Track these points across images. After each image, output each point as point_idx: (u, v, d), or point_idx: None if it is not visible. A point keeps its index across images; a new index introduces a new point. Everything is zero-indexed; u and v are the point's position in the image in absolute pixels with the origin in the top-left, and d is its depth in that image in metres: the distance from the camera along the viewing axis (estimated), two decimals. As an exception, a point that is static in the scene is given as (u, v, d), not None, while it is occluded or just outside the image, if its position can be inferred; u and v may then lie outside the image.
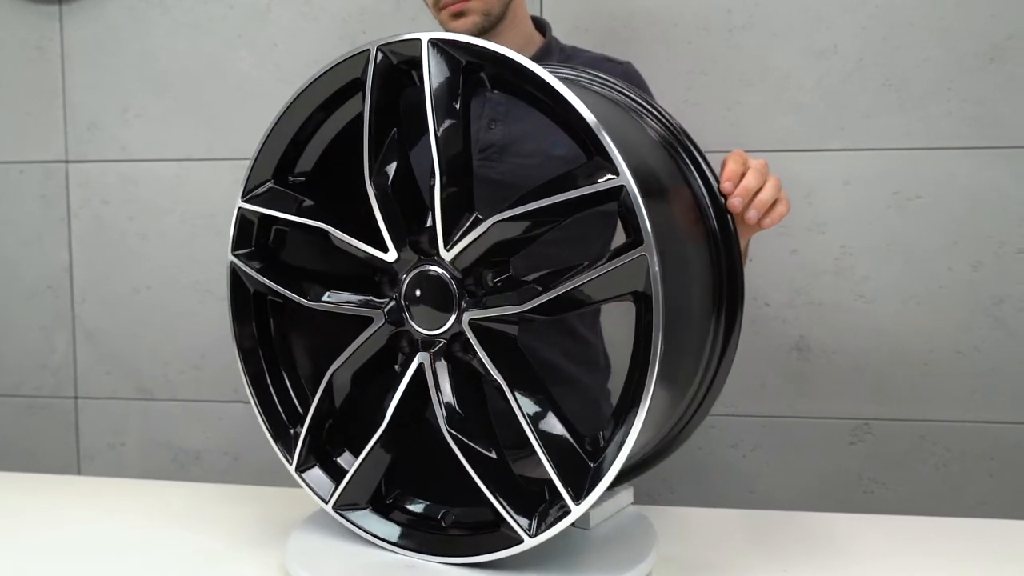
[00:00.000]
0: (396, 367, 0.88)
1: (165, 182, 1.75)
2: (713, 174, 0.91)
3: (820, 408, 1.60)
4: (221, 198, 1.73)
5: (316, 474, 0.92)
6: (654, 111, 0.94)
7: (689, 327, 0.83)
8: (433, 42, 0.79)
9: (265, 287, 0.93)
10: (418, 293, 0.83)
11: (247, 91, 1.71)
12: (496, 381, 0.79)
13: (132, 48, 1.73)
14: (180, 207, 1.75)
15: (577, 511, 0.76)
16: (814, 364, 1.59)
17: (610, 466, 0.75)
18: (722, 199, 0.89)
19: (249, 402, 1.76)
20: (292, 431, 0.93)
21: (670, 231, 0.80)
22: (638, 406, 0.73)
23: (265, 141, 0.91)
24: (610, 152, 0.72)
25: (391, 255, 0.84)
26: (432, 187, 0.79)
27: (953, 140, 1.52)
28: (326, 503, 0.90)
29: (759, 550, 0.96)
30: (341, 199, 0.96)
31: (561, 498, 0.77)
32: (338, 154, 0.94)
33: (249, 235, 0.94)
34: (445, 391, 0.82)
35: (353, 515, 0.89)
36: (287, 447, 0.93)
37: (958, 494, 1.58)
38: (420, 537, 0.86)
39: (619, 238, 1.35)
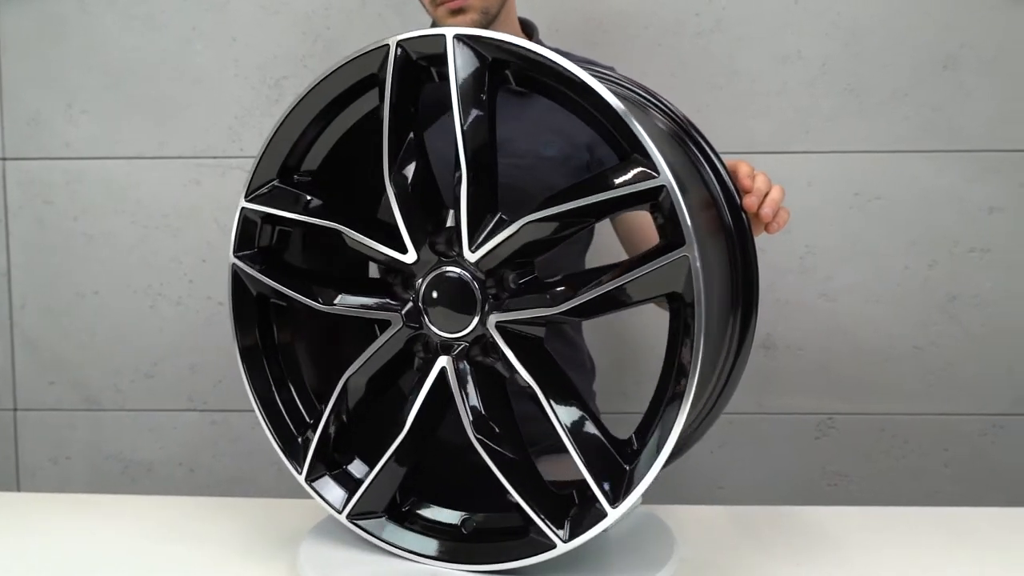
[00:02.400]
0: (414, 371, 0.86)
1: (114, 181, 1.66)
2: (726, 170, 0.92)
3: (786, 404, 1.64)
4: (175, 198, 1.66)
5: (326, 483, 0.89)
6: (662, 105, 0.94)
7: (714, 326, 0.82)
8: (459, 38, 0.78)
9: (271, 290, 0.90)
10: (437, 295, 0.80)
11: (203, 86, 1.64)
12: (527, 384, 0.77)
13: (77, 39, 1.64)
14: (130, 207, 1.67)
15: (614, 514, 0.75)
16: (780, 361, 1.63)
17: (648, 468, 0.74)
18: (738, 198, 0.90)
19: (207, 411, 1.70)
20: (299, 439, 0.90)
21: (702, 230, 0.79)
22: (679, 408, 0.72)
23: (272, 138, 0.88)
24: (651, 153, 0.72)
25: (410, 256, 0.81)
26: (456, 186, 0.77)
27: (911, 143, 1.58)
28: (339, 513, 0.87)
29: (763, 547, 0.98)
30: (349, 198, 0.93)
31: (594, 501, 0.76)
32: (346, 152, 0.91)
33: (252, 236, 0.91)
34: (470, 395, 0.81)
35: (368, 524, 0.86)
36: (294, 456, 0.89)
37: (916, 484, 1.64)
38: (442, 545, 0.84)
39: (610, 239, 1.35)
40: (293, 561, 0.90)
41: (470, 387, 0.81)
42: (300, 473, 0.89)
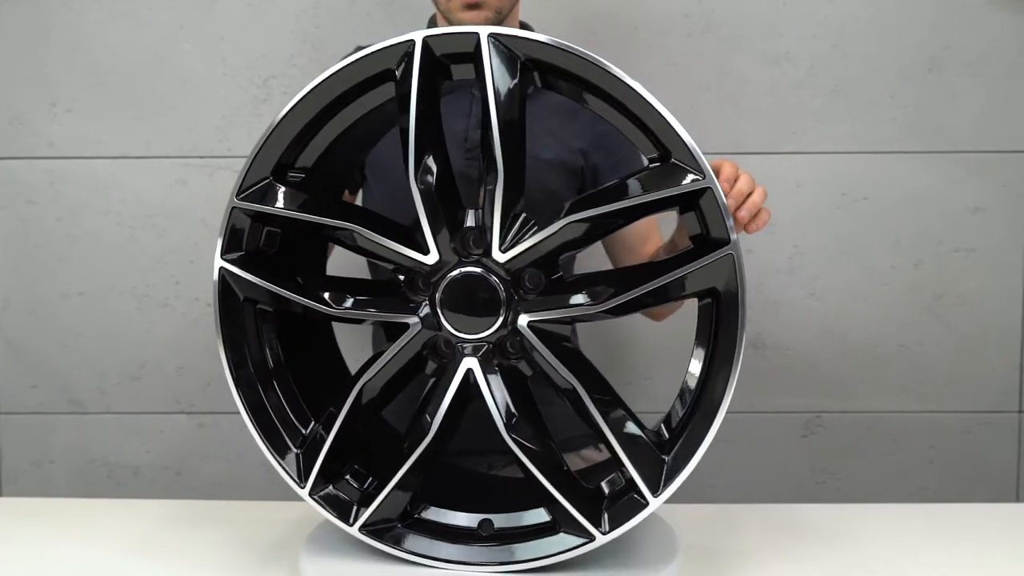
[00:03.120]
0: (426, 375, 0.84)
1: (99, 181, 1.64)
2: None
3: (775, 403, 1.66)
4: (161, 198, 1.64)
5: (330, 495, 0.85)
6: None
7: None
8: (493, 36, 0.78)
9: (269, 295, 0.85)
10: (459, 296, 0.80)
11: (190, 85, 1.62)
12: (568, 384, 0.79)
13: (61, 37, 1.61)
14: (116, 208, 1.64)
15: (655, 503, 0.78)
16: (770, 360, 1.64)
17: (690, 458, 0.78)
18: None
19: (194, 413, 1.68)
20: (297, 451, 0.86)
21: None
22: (723, 394, 0.77)
23: (271, 133, 0.83)
24: (696, 156, 0.77)
25: (432, 257, 0.80)
26: (491, 187, 0.78)
27: (896, 144, 1.60)
28: (350, 525, 0.84)
29: (760, 543, 0.99)
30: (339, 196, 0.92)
31: (628, 492, 0.79)
32: (346, 149, 0.90)
33: (240, 238, 0.86)
34: (500, 396, 0.80)
35: (382, 534, 0.84)
36: (292, 467, 0.86)
37: (903, 481, 1.66)
38: (466, 549, 0.83)
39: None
40: (289, 568, 0.89)
41: (499, 388, 0.81)
42: (303, 487, 0.85)
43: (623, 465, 0.79)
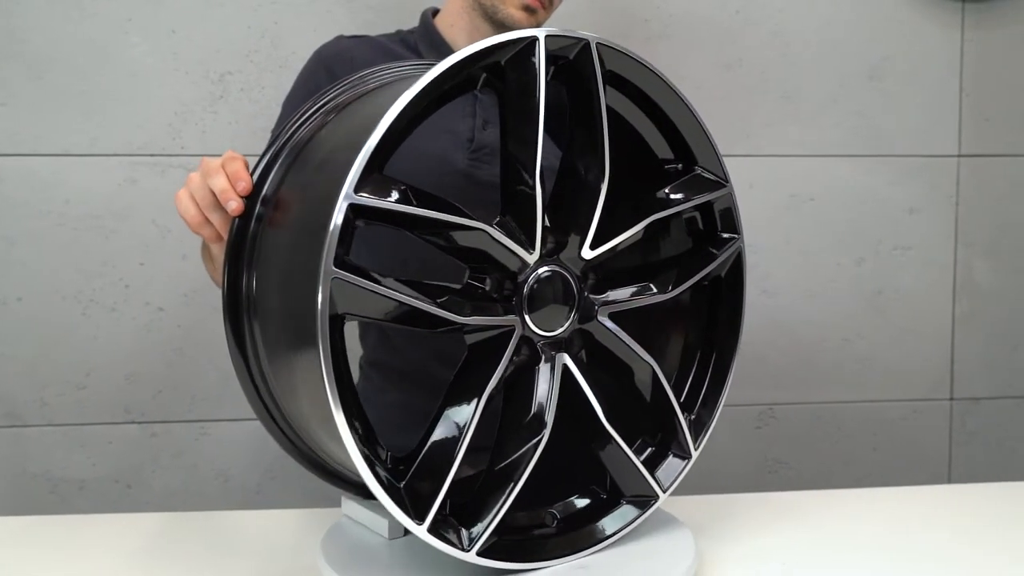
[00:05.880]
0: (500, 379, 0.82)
1: (39, 180, 1.55)
2: None
3: (731, 396, 1.69)
4: (108, 198, 1.56)
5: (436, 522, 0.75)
6: None
7: None
8: (599, 46, 0.81)
9: (400, 309, 0.73)
10: (544, 294, 0.79)
11: (139, 80, 1.55)
12: (648, 363, 0.85)
13: (-4, 26, 1.52)
14: (58, 208, 1.56)
15: (696, 455, 0.89)
16: (725, 355, 1.70)
17: (712, 414, 0.92)
18: None
19: (145, 422, 1.61)
20: (397, 483, 0.75)
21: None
22: (731, 361, 0.95)
23: (394, 120, 0.71)
24: (724, 168, 0.88)
25: (535, 256, 0.79)
26: (599, 189, 0.81)
27: (840, 148, 1.69)
28: (466, 551, 0.75)
29: (722, 529, 1.02)
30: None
31: (670, 451, 0.89)
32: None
33: (345, 242, 0.70)
34: (595, 387, 0.83)
35: (493, 552, 0.78)
36: (399, 502, 0.73)
37: (848, 468, 1.75)
38: (554, 544, 0.83)
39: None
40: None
41: (584, 379, 0.83)
42: (422, 523, 0.73)
43: (677, 424, 0.87)
